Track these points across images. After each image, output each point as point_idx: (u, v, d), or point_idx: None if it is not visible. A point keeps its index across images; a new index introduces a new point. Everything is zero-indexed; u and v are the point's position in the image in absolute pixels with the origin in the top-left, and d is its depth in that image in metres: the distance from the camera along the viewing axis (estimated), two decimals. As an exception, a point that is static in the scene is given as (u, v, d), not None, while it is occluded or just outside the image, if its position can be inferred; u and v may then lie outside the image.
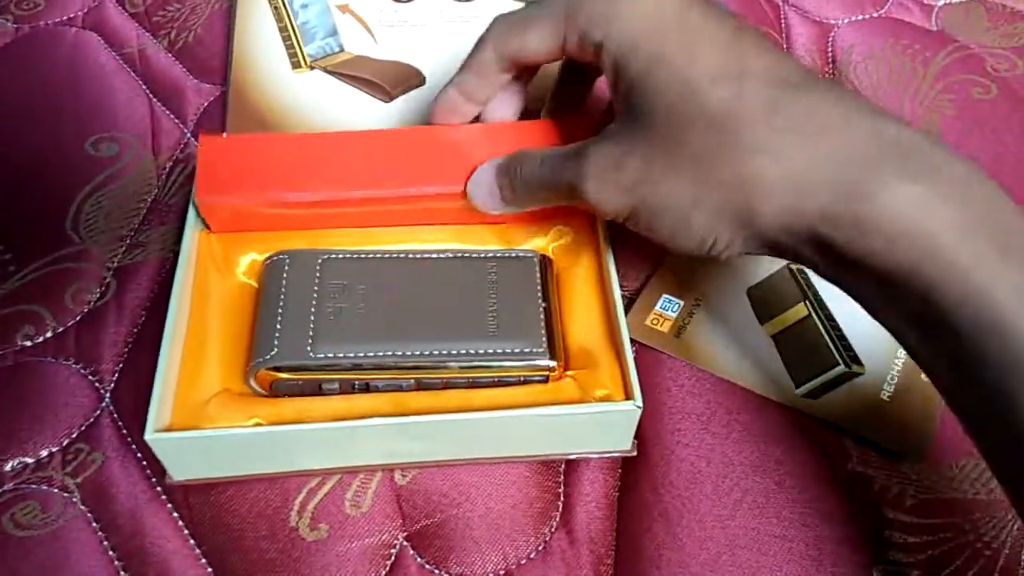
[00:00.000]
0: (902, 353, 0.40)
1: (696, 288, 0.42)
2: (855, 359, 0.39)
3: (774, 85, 0.28)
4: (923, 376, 0.38)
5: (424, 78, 0.48)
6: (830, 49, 0.53)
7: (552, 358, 0.36)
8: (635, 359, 0.35)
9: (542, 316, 0.37)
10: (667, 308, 0.42)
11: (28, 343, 0.40)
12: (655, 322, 0.41)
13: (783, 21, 0.54)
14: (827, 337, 0.40)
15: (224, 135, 0.45)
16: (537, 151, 0.35)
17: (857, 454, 0.37)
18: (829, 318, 0.41)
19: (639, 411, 0.34)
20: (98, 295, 0.42)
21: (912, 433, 0.38)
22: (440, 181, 0.38)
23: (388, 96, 0.47)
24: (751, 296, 0.42)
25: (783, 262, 0.42)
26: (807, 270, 0.42)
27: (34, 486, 0.36)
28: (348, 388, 0.36)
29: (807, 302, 0.41)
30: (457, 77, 0.37)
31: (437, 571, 0.34)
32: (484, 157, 0.38)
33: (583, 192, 0.32)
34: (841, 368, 0.39)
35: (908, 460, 0.37)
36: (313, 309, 0.36)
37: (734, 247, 0.30)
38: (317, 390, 0.36)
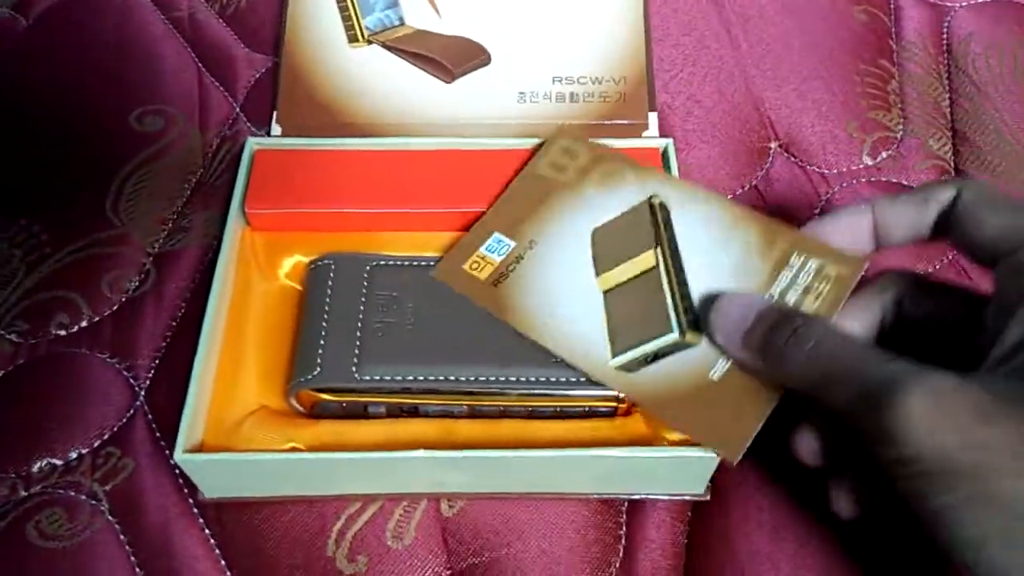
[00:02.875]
0: None
1: (537, 226, 0.35)
2: (694, 325, 0.32)
3: None
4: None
5: (489, 56, 0.44)
6: (945, 36, 0.47)
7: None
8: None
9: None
10: (494, 250, 0.35)
11: (62, 332, 0.38)
12: (475, 267, 0.35)
13: (891, 2, 0.49)
14: (668, 295, 0.33)
15: (275, 125, 0.42)
16: (834, 328, 0.28)
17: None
18: (679, 271, 0.33)
19: (717, 459, 0.30)
20: (137, 283, 0.39)
21: (729, 426, 0.30)
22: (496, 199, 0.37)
23: (450, 76, 0.43)
24: (594, 239, 0.34)
25: (645, 196, 0.35)
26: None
27: (61, 491, 0.34)
28: (396, 412, 0.33)
29: (658, 249, 0.34)
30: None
31: (483, 618, 0.31)
32: None
33: (890, 421, 0.23)
34: (673, 336, 0.32)
35: (719, 454, 0.30)
36: (360, 323, 0.33)
37: None
38: (362, 412, 0.33)
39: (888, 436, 0.23)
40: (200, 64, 0.47)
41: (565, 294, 0.34)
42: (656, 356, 0.32)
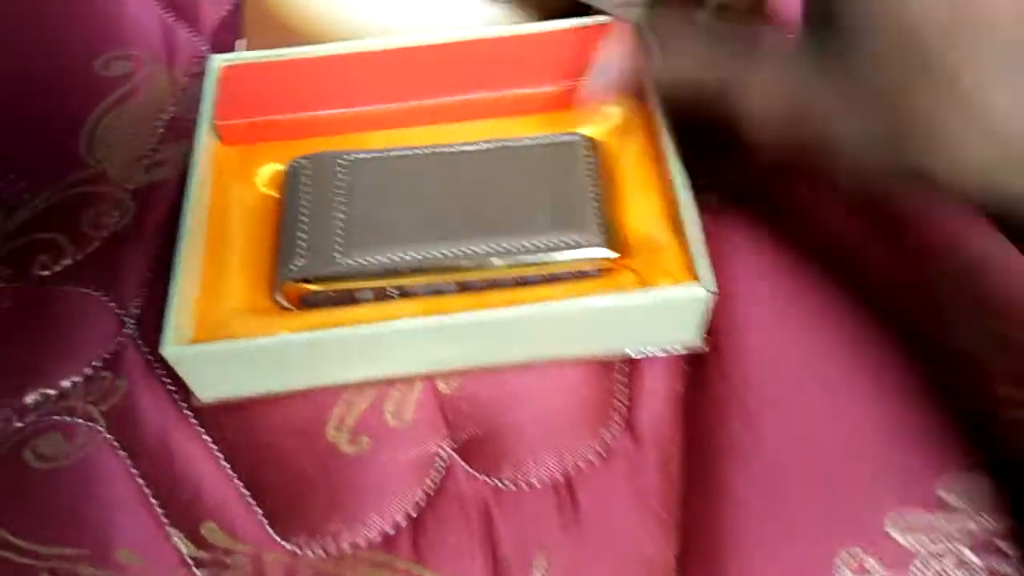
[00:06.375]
0: None
1: None
2: None
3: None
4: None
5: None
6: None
7: (608, 247, 0.32)
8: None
9: (594, 203, 0.33)
10: None
11: (46, 272, 0.38)
12: None
13: None
14: None
15: (240, 42, 0.42)
16: (691, 31, 0.30)
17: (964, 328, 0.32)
18: None
19: (712, 296, 0.30)
20: (117, 218, 0.39)
21: None
22: (471, 88, 0.36)
23: (414, -11, 0.43)
24: None
25: None
26: None
27: (56, 417, 0.34)
28: (384, 296, 0.32)
29: None
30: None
31: (489, 480, 0.31)
32: (518, 65, 0.36)
33: (740, 105, 0.27)
34: None
35: None
36: (340, 214, 0.33)
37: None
38: (350, 300, 0.32)
39: None
40: (164, 7, 0.46)
41: None
42: None
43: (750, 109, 0.27)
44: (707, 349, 0.33)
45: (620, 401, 0.32)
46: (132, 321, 0.36)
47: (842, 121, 0.24)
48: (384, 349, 0.31)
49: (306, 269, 0.32)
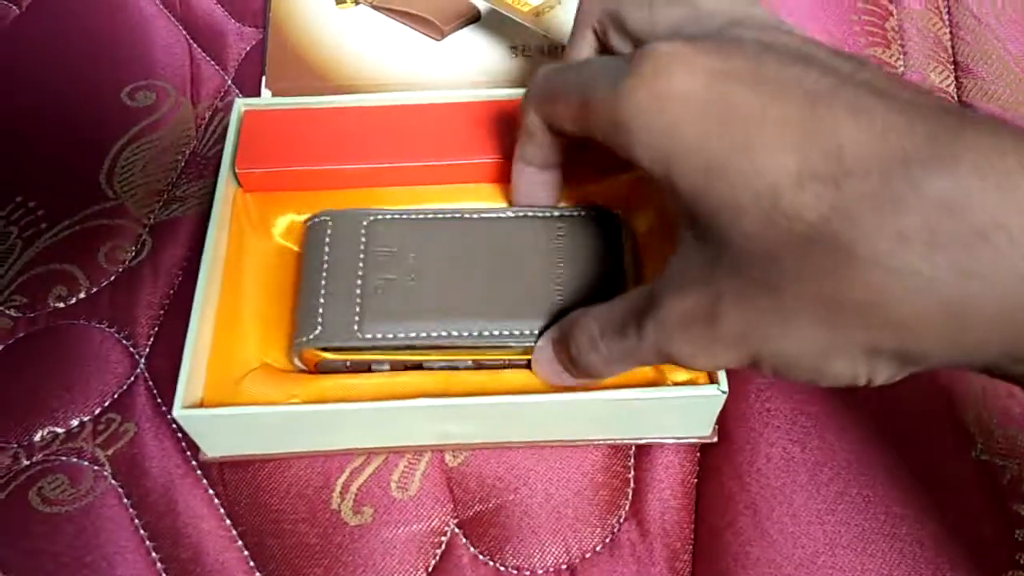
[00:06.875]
0: None
1: None
2: None
3: (888, 175, 0.19)
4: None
5: (479, 13, 0.44)
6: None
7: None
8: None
9: (619, 285, 0.33)
10: None
11: (60, 304, 0.38)
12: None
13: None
14: None
15: (264, 90, 0.42)
16: (590, 322, 0.28)
17: (983, 441, 0.32)
18: None
19: (723, 396, 0.29)
20: (133, 253, 0.39)
21: None
22: (492, 151, 0.35)
23: (440, 34, 0.43)
24: None
25: None
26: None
27: (63, 458, 0.34)
28: (400, 368, 0.32)
29: None
30: (519, 148, 0.32)
31: (492, 563, 0.31)
32: None
33: (676, 360, 0.25)
34: None
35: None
36: (360, 280, 0.33)
37: (899, 376, 0.22)
38: (366, 370, 0.32)
39: None
40: (191, 40, 0.46)
41: None
42: None
43: (685, 360, 0.25)
44: (716, 440, 0.32)
45: (628, 489, 0.32)
46: (143, 361, 0.36)
47: (768, 339, 0.22)
48: (395, 422, 0.31)
49: (324, 338, 0.31)
